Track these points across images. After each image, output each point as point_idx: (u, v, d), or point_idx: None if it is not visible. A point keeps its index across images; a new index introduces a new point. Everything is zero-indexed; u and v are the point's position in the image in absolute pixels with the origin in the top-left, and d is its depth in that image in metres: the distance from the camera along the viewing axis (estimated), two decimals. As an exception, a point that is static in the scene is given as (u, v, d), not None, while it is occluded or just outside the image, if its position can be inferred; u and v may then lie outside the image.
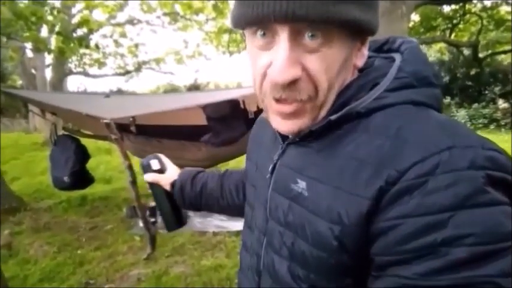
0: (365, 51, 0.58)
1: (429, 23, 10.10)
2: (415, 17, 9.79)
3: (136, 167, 3.24)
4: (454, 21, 10.42)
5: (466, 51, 12.44)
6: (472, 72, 12.85)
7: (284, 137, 0.64)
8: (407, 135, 0.48)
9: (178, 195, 0.97)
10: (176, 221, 1.02)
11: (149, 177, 0.98)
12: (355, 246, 0.49)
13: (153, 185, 0.99)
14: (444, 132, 0.47)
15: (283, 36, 0.49)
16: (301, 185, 0.57)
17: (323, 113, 0.55)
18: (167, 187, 0.98)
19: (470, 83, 13.39)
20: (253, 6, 0.48)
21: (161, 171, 0.99)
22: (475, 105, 12.33)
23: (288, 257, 0.58)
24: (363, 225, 0.48)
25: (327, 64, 0.51)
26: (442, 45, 12.83)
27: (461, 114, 12.36)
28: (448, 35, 10.55)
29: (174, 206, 1.00)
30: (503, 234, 0.41)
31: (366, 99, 0.54)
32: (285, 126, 0.56)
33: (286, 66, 0.49)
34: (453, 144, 0.45)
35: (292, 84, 0.51)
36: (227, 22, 11.54)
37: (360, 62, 0.58)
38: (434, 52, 14.77)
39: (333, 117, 0.54)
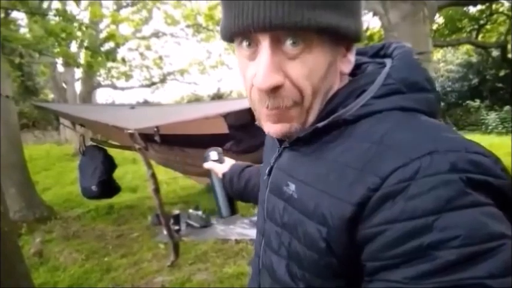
0: (351, 58, 0.58)
1: (454, 24, 9.84)
2: (439, 20, 9.57)
3: (160, 176, 3.33)
4: (481, 22, 10.11)
5: (495, 52, 12.02)
6: (502, 73, 12.39)
7: (281, 141, 0.66)
8: (390, 141, 0.49)
9: (228, 186, 1.04)
10: (228, 209, 1.09)
11: (207, 165, 1.08)
12: (342, 251, 0.50)
13: (211, 174, 1.09)
14: (427, 137, 0.48)
15: (264, 44, 0.51)
16: (291, 187, 0.58)
17: (311, 117, 0.57)
18: (220, 176, 1.07)
19: (500, 85, 12.92)
20: (235, 18, 0.51)
21: (219, 161, 1.09)
22: (507, 107, 11.87)
23: (287, 256, 0.59)
24: (347, 230, 0.48)
25: (309, 70, 0.52)
26: (469, 46, 12.47)
27: (491, 117, 11.93)
28: (474, 36, 10.24)
29: (227, 195, 1.08)
30: (488, 235, 0.41)
31: (353, 106, 0.55)
32: (275, 130, 0.58)
33: (268, 73, 0.51)
34: (435, 148, 0.45)
35: (277, 90, 0.52)
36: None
37: (346, 68, 0.58)
38: (461, 54, 14.37)
39: (319, 124, 0.55)
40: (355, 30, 0.54)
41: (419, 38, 4.26)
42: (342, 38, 0.54)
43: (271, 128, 0.58)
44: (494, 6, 9.33)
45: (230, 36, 0.54)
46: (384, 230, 0.44)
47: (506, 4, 9.20)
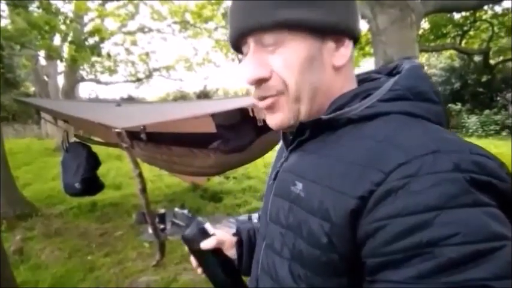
0: (345, 52, 0.61)
1: (439, 30, 10.04)
2: (424, 25, 9.74)
3: (145, 173, 3.29)
4: (465, 28, 10.34)
5: (477, 58, 12.33)
6: (483, 78, 12.72)
7: (288, 146, 0.68)
8: (395, 139, 0.50)
9: (247, 248, 0.87)
10: None
11: (211, 242, 0.80)
12: (343, 247, 0.51)
13: (205, 254, 0.82)
14: (432, 138, 0.49)
15: (251, 45, 0.60)
16: (299, 186, 0.59)
17: (303, 107, 0.60)
18: (229, 250, 0.86)
19: (481, 90, 13.25)
20: (230, 32, 0.62)
21: (204, 236, 0.82)
22: (487, 111, 12.20)
23: (289, 257, 0.59)
24: (350, 225, 0.49)
25: (286, 62, 0.58)
26: (453, 51, 12.74)
27: (472, 121, 12.24)
28: (458, 42, 10.47)
29: (233, 273, 0.84)
30: (490, 234, 0.41)
31: (358, 106, 0.57)
32: (271, 120, 0.64)
33: (250, 68, 0.59)
34: (438, 148, 0.46)
35: (263, 82, 0.60)
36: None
37: (339, 61, 0.60)
38: (444, 58, 14.67)
39: (324, 117, 0.58)
40: (332, 24, 0.58)
41: (407, 43, 4.33)
42: (318, 31, 0.58)
43: (270, 120, 0.64)
44: (478, 13, 9.55)
45: (232, 45, 0.64)
46: (385, 224, 0.45)
47: (490, 12, 9.43)
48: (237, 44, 0.63)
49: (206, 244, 0.80)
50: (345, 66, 0.61)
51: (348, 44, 0.61)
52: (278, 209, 0.64)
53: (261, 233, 0.71)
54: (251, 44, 0.60)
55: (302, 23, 0.56)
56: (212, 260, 0.82)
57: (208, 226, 0.83)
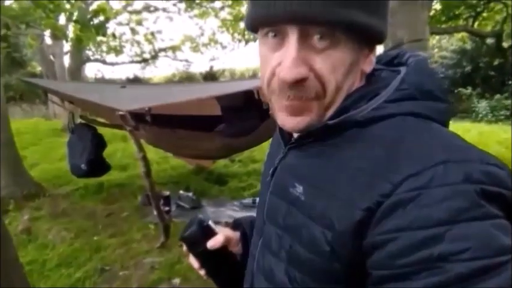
0: (373, 58, 0.59)
1: (451, 11, 9.76)
2: (436, 6, 9.47)
3: (150, 155, 3.28)
4: (478, 10, 10.05)
5: (489, 40, 12.03)
6: (495, 62, 12.44)
7: (286, 142, 0.66)
8: (404, 147, 0.49)
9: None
10: None
11: (219, 240, 0.75)
12: (346, 256, 0.50)
13: (210, 254, 0.75)
14: (441, 146, 0.47)
15: (292, 37, 0.51)
16: (299, 189, 0.58)
17: (330, 113, 0.57)
18: (235, 247, 0.81)
19: (493, 73, 12.99)
20: (265, 7, 0.51)
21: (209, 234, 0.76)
22: (497, 96, 11.97)
23: (286, 259, 0.58)
24: (354, 235, 0.48)
25: (333, 65, 0.52)
26: (464, 33, 12.44)
27: (482, 106, 12.04)
28: (471, 23, 10.19)
29: (240, 271, 0.78)
30: (499, 248, 0.41)
31: (365, 108, 0.55)
32: (291, 122, 0.57)
33: (294, 66, 0.51)
34: (448, 158, 0.45)
35: (300, 83, 0.53)
36: (243, 9, 11.44)
37: (368, 68, 0.59)
38: (456, 41, 14.33)
39: (330, 122, 0.55)
40: (381, 32, 0.55)
41: (417, 25, 4.21)
42: (368, 38, 0.55)
43: (288, 121, 0.57)
44: (492, -6, 9.26)
45: (258, 24, 0.55)
46: (394, 237, 0.44)
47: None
48: (266, 26, 0.54)
49: (214, 243, 0.74)
50: None
51: (376, 50, 0.59)
52: (275, 209, 0.63)
53: (258, 228, 0.70)
54: (294, 35, 0.51)
55: (364, 28, 0.52)
56: (218, 260, 0.76)
57: (211, 224, 0.77)
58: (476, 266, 0.40)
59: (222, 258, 0.77)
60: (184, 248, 0.78)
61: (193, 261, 0.79)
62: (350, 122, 0.55)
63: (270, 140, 0.84)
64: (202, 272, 0.79)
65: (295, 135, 0.63)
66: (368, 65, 0.58)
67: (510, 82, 12.27)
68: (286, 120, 0.57)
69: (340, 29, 0.50)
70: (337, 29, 0.50)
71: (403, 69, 0.58)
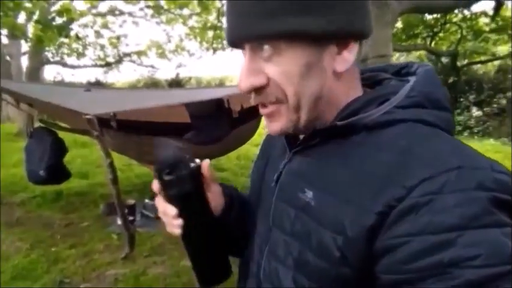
0: (348, 56, 0.55)
1: (411, 30, 10.31)
2: (397, 24, 9.96)
3: (115, 163, 3.17)
4: (435, 30, 10.67)
5: (444, 59, 12.78)
6: (450, 80, 13.20)
7: (291, 146, 0.65)
8: (416, 152, 0.49)
9: (238, 202, 0.76)
10: (222, 264, 0.70)
11: (207, 162, 0.66)
12: (357, 261, 0.49)
13: (193, 199, 0.64)
14: (454, 152, 0.48)
15: (247, 51, 0.56)
16: (309, 194, 0.57)
17: (303, 115, 0.57)
18: (218, 200, 0.72)
19: (448, 91, 13.73)
20: (226, 32, 0.58)
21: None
22: (452, 112, 12.67)
23: (293, 266, 0.57)
24: (366, 240, 0.48)
25: (283, 70, 0.54)
26: (422, 52, 13.13)
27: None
28: (428, 43, 10.80)
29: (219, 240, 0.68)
30: (507, 257, 0.41)
31: (375, 112, 0.55)
32: (270, 128, 0.61)
33: (246, 76, 0.56)
34: (462, 164, 0.45)
35: (260, 90, 0.56)
36: (212, 18, 11.43)
37: (341, 66, 0.56)
38: (413, 58, 15.09)
39: (339, 123, 0.55)
40: (333, 31, 0.52)
41: (383, 42, 4.40)
42: (318, 40, 0.53)
43: (269, 127, 0.61)
44: (448, 16, 9.88)
45: (230, 46, 0.60)
46: (405, 242, 0.44)
47: (459, 15, 9.78)
48: (234, 45, 0.59)
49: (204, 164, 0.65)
50: (348, 69, 0.57)
51: (353, 47, 0.55)
52: (282, 215, 0.61)
53: (263, 236, 0.67)
54: (247, 49, 0.56)
55: (300, 34, 0.51)
56: (202, 205, 0.66)
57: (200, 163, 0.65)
58: (487, 273, 0.40)
59: (203, 205, 0.66)
60: (157, 187, 0.65)
61: (168, 208, 0.64)
62: (359, 125, 0.55)
63: (259, 147, 0.83)
64: (177, 223, 0.64)
65: (301, 137, 0.63)
66: (341, 64, 0.55)
67: (462, 99, 13.04)
68: (268, 126, 0.61)
69: (273, 38, 0.52)
70: (269, 39, 0.53)
71: (412, 78, 0.59)
